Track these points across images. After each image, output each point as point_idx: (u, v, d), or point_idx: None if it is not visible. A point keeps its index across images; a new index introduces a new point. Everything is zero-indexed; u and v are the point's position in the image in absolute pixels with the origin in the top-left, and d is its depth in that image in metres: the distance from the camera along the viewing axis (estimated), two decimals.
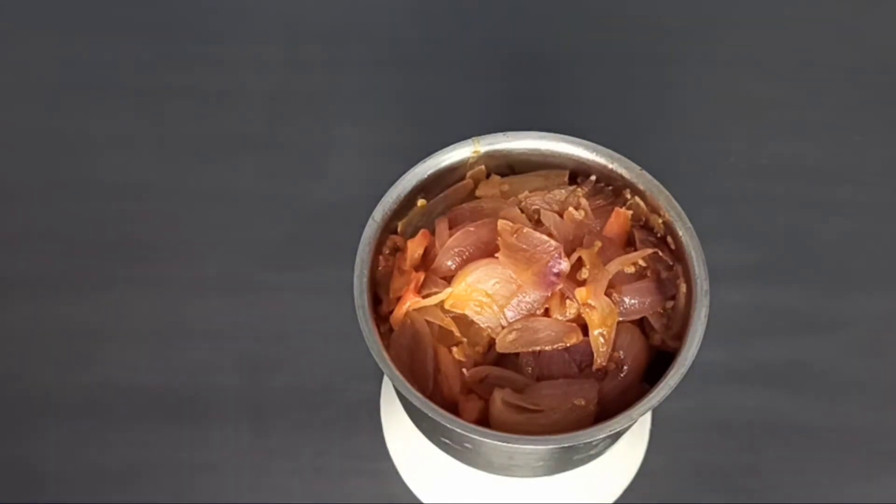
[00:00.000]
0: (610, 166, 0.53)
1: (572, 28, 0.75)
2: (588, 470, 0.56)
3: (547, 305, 0.50)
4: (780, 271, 0.68)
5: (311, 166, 0.71)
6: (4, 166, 0.71)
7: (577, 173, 0.54)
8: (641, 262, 0.52)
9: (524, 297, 0.50)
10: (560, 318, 0.50)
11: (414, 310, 0.51)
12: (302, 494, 0.63)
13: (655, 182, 0.53)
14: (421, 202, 0.54)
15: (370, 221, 0.52)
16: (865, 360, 0.66)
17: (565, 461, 0.53)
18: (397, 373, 0.49)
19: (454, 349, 0.50)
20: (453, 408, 0.50)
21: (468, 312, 0.50)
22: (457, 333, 0.50)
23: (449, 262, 0.51)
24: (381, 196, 0.53)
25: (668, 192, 0.52)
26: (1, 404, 0.65)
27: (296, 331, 0.66)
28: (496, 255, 0.50)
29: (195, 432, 0.64)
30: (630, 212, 0.53)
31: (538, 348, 0.50)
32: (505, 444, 0.48)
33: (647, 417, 0.63)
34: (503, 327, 0.50)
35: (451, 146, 0.54)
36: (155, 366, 0.65)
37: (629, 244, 0.53)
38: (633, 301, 0.51)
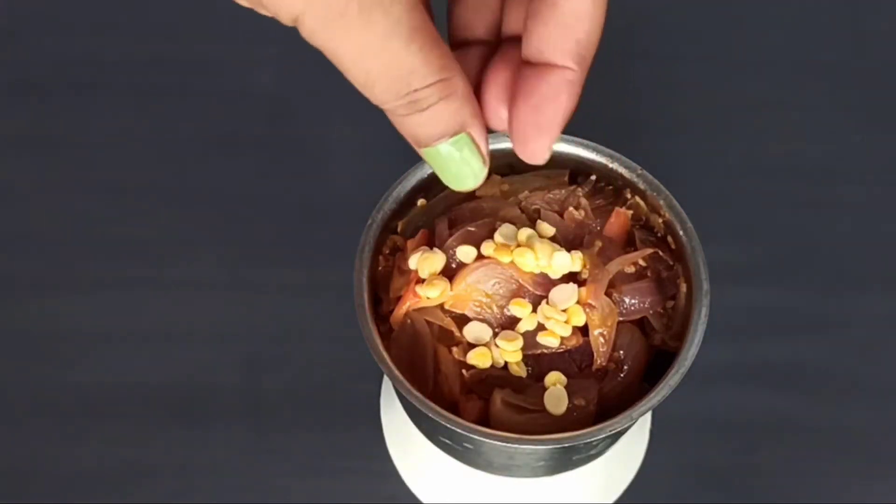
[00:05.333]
0: (610, 166, 0.53)
1: None
2: (588, 470, 0.56)
3: None
4: (780, 271, 0.68)
5: (311, 166, 0.71)
6: (4, 166, 0.71)
7: (577, 173, 0.54)
8: (641, 262, 0.52)
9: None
10: None
11: (414, 310, 0.51)
12: (302, 494, 0.63)
13: (655, 182, 0.53)
14: (421, 202, 0.54)
15: (370, 221, 0.52)
16: (865, 360, 0.66)
17: (565, 461, 0.53)
18: (397, 373, 0.49)
19: (454, 349, 0.50)
20: (453, 408, 0.50)
21: (468, 312, 0.50)
22: (457, 333, 0.50)
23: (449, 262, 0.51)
24: (381, 196, 0.53)
25: (668, 192, 0.52)
26: (0, 404, 0.65)
27: (296, 331, 0.66)
28: None
29: (195, 432, 0.64)
30: (630, 212, 0.53)
31: (538, 350, 0.50)
32: (505, 444, 0.48)
33: (647, 417, 0.63)
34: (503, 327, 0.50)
35: None
36: (155, 366, 0.65)
37: (629, 244, 0.53)
38: (633, 301, 0.51)
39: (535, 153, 0.45)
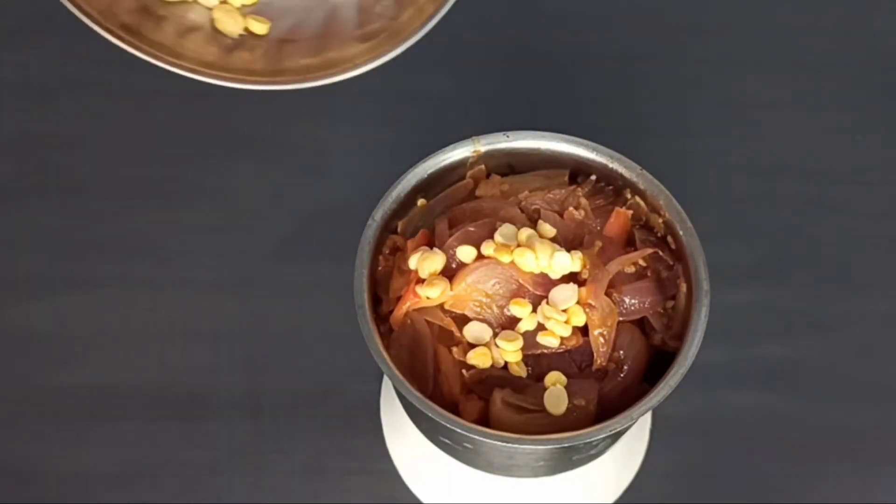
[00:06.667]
0: (610, 166, 0.53)
1: (572, 27, 0.75)
2: (588, 470, 0.56)
3: None
4: (780, 271, 0.68)
5: (311, 166, 0.71)
6: (4, 166, 0.71)
7: (577, 173, 0.54)
8: (641, 262, 0.52)
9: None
10: None
11: (414, 310, 0.51)
12: (302, 494, 0.63)
13: (655, 182, 0.53)
14: (421, 202, 0.54)
15: (370, 221, 0.52)
16: (865, 360, 0.66)
17: (565, 461, 0.53)
18: (397, 373, 0.49)
19: (454, 349, 0.50)
20: (453, 408, 0.50)
21: (468, 312, 0.50)
22: (457, 333, 0.50)
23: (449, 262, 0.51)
24: (381, 196, 0.53)
25: (668, 192, 0.52)
26: (1, 404, 0.65)
27: (296, 331, 0.66)
28: None
29: (195, 432, 0.64)
30: (630, 211, 0.53)
31: (538, 350, 0.50)
32: (505, 444, 0.48)
33: (647, 417, 0.63)
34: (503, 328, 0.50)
35: (451, 146, 0.54)
36: (155, 366, 0.65)
37: (629, 244, 0.53)
38: (633, 301, 0.51)
39: None
